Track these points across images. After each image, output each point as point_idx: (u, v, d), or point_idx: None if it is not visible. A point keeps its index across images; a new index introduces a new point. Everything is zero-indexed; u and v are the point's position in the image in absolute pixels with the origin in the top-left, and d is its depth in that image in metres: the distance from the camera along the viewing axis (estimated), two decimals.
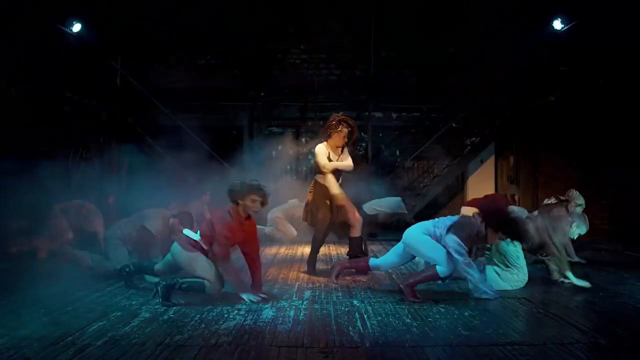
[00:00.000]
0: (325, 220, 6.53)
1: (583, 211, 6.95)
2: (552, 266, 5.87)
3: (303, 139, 14.13)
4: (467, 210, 9.04)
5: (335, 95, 13.95)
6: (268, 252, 8.88)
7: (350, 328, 4.16)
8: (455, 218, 5.16)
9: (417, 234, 5.13)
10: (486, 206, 5.00)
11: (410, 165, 14.26)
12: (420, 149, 13.63)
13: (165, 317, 4.49)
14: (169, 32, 13.96)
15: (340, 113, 6.67)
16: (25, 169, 9.96)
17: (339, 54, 14.34)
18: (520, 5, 12.83)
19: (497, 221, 4.94)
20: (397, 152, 14.38)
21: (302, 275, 6.55)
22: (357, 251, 6.69)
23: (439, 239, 5.02)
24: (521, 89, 12.98)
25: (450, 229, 4.97)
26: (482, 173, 14.46)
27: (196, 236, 5.02)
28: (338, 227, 6.75)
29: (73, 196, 12.20)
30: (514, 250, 5.57)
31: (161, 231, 6.39)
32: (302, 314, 4.59)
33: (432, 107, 14.03)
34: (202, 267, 4.92)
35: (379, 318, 4.45)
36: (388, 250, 8.89)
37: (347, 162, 6.59)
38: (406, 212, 10.48)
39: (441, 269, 4.89)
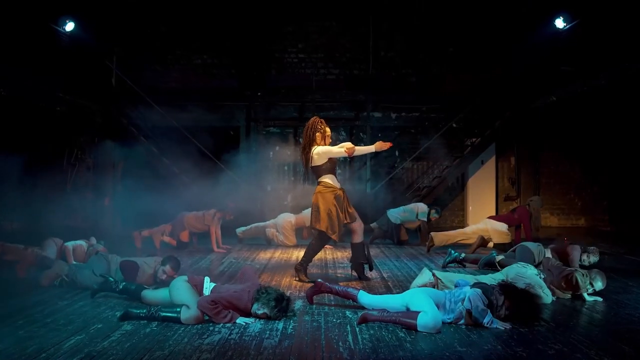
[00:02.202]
0: (339, 222, 6.24)
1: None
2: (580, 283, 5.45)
3: (301, 139, 13.89)
4: (494, 224, 8.84)
5: (334, 94, 13.76)
6: (263, 256, 8.67)
7: (340, 343, 3.95)
8: (468, 292, 4.50)
9: (422, 294, 4.54)
10: (521, 300, 4.48)
11: (409, 166, 14.07)
12: (419, 149, 13.45)
13: (148, 329, 4.28)
14: (165, 31, 13.80)
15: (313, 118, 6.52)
16: (19, 171, 9.82)
17: (337, 53, 14.16)
18: (521, 3, 12.63)
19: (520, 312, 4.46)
20: (397, 153, 14.19)
21: (295, 282, 6.33)
22: (360, 258, 6.47)
23: (446, 308, 4.46)
24: (522, 89, 12.77)
25: (476, 290, 4.46)
26: (483, 174, 14.27)
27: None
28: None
29: (68, 197, 12.14)
30: (532, 273, 5.35)
31: (149, 277, 6.11)
32: (290, 327, 4.38)
33: (431, 107, 13.85)
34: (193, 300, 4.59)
35: (371, 332, 4.24)
36: (385, 255, 8.75)
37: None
38: (425, 219, 10.26)
39: (422, 324, 4.19)
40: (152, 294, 5.09)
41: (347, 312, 4.85)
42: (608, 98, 11.55)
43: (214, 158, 12.58)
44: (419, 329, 4.21)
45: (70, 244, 7.25)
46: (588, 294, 5.31)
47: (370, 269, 6.55)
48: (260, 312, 4.57)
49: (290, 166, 14.01)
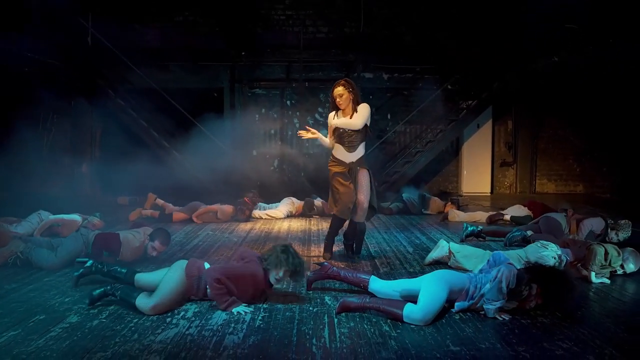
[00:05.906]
0: (346, 198, 5.49)
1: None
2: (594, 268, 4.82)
3: (288, 101, 13.26)
4: (518, 209, 8.17)
5: (322, 54, 13.02)
6: (243, 227, 8.10)
7: (314, 340, 3.40)
8: (502, 266, 3.90)
9: (437, 282, 3.89)
10: (556, 285, 3.87)
11: (402, 129, 13.47)
12: (412, 112, 12.85)
13: (95, 322, 3.72)
14: None
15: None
16: None
17: (326, 10, 13.34)
18: None
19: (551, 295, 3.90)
20: (388, 116, 13.57)
21: None
22: (349, 238, 5.84)
23: (469, 294, 3.90)
24: (522, 49, 12.02)
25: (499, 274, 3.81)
26: (479, 138, 13.70)
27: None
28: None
29: (44, 164, 11.51)
30: (549, 255, 4.85)
31: (135, 250, 5.50)
32: (259, 318, 3.83)
33: (426, 68, 13.19)
34: (176, 291, 4.06)
35: (352, 324, 3.70)
36: (373, 225, 8.16)
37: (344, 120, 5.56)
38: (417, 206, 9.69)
39: (408, 315, 3.66)
40: (149, 278, 4.34)
41: (327, 298, 4.30)
42: (618, 58, 10.85)
43: (196, 121, 11.88)
44: (404, 320, 3.68)
45: (57, 217, 6.65)
46: (609, 276, 4.76)
47: (355, 253, 5.88)
48: (280, 274, 4.09)
49: (277, 129, 13.35)
